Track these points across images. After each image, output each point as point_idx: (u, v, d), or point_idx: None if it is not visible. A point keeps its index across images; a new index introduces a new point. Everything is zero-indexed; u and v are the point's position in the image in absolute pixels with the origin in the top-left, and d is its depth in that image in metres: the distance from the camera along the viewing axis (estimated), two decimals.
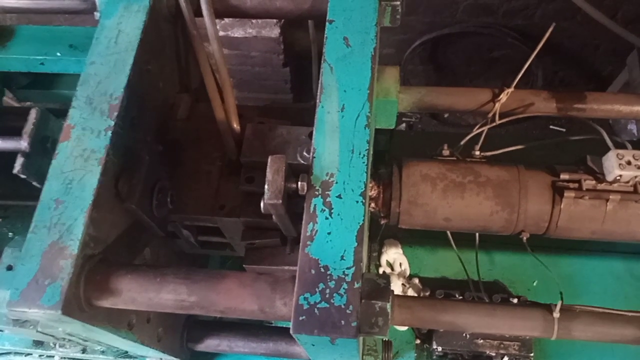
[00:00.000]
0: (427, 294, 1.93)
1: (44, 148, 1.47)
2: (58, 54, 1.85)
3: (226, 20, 3.23)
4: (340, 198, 1.12)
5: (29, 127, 1.44)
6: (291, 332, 1.02)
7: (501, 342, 1.77)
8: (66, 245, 1.11)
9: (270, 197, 1.11)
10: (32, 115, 1.45)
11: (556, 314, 1.28)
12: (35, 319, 1.14)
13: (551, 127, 3.99)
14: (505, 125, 1.61)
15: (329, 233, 1.09)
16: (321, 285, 1.04)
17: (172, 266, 1.28)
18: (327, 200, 1.12)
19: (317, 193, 1.13)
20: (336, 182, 1.14)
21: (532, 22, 3.61)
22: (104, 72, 1.30)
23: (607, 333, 1.30)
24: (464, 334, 1.80)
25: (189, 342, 1.79)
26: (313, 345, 1.09)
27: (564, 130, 3.92)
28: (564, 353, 1.90)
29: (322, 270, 1.05)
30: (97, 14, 1.44)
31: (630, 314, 1.29)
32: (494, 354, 1.77)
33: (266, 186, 1.12)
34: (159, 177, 1.37)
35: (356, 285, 1.04)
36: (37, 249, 1.11)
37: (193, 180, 1.51)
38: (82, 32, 1.88)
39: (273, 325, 1.90)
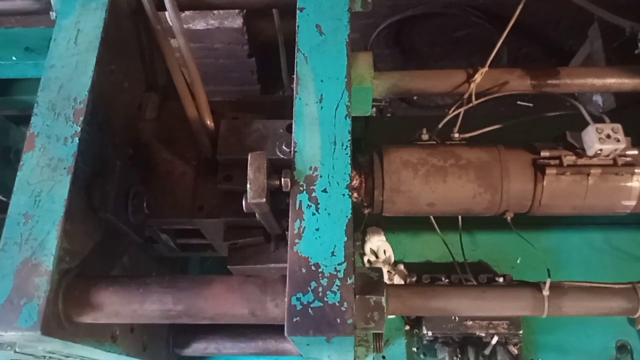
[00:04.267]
0: (414, 279, 1.93)
1: (6, 159, 1.40)
2: (13, 58, 1.75)
3: (186, 12, 3.14)
4: (326, 192, 1.09)
5: None
6: (285, 334, 0.99)
7: (490, 322, 1.77)
8: (40, 261, 1.06)
9: (253, 196, 1.07)
10: None
11: (546, 292, 1.29)
12: (12, 340, 1.08)
13: (519, 102, 4.03)
14: (475, 105, 1.60)
15: (317, 229, 1.06)
16: (313, 284, 1.01)
17: (155, 275, 1.23)
18: (312, 195, 1.09)
19: (301, 189, 1.09)
20: (320, 176, 1.11)
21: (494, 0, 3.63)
22: (66, 76, 1.24)
23: (596, 307, 1.31)
24: (453, 317, 1.80)
25: (175, 347, 1.74)
26: (308, 345, 1.07)
27: (531, 105, 3.96)
28: (551, 325, 1.92)
29: (313, 268, 1.02)
30: (53, 14, 1.37)
31: (617, 286, 1.30)
32: (483, 335, 1.78)
33: (248, 185, 1.07)
34: (132, 182, 1.31)
35: (349, 281, 1.01)
36: (9, 268, 1.06)
37: (168, 183, 1.46)
38: (38, 33, 1.79)
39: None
